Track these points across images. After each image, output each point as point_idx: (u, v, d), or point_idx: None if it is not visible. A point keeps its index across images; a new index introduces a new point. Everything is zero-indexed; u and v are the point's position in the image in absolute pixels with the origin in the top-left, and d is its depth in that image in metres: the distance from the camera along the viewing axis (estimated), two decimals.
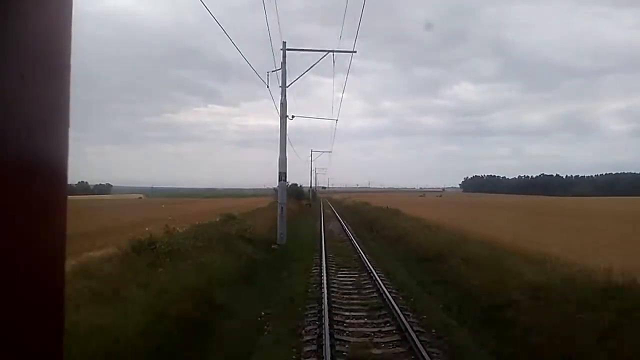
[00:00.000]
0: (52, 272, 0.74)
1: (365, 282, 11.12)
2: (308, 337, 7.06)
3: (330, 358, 6.04)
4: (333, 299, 9.24)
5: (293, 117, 18.14)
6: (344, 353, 6.41)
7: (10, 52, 0.63)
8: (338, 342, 6.76)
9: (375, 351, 6.52)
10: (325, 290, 9.70)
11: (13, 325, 0.65)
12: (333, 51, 17.12)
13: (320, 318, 7.76)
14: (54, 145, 0.73)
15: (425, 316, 8.26)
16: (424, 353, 6.15)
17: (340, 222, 29.69)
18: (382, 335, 7.26)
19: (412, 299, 9.46)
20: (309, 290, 10.28)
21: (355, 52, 16.99)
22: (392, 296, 9.22)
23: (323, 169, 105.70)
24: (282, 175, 16.74)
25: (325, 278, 10.94)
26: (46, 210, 0.71)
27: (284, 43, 17.02)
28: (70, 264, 10.47)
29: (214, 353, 6.56)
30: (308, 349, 6.60)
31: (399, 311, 8.04)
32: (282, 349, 6.61)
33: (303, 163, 63.35)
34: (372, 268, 12.34)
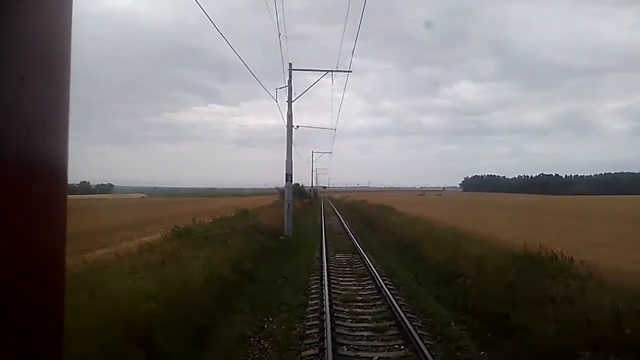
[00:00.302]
0: (52, 272, 0.74)
1: (356, 260, 14.33)
2: (313, 291, 10.23)
3: (329, 300, 9.20)
4: (330, 270, 12.43)
5: (298, 127, 21.40)
6: (338, 298, 9.59)
7: (10, 52, 0.63)
8: (334, 294, 9.92)
9: (358, 297, 9.72)
10: (325, 264, 12.90)
11: (13, 325, 0.65)
12: (331, 71, 20.37)
13: (321, 280, 10.93)
14: (54, 145, 0.73)
15: (397, 280, 11.44)
16: (391, 297, 9.31)
17: (339, 218, 32.96)
18: (364, 290, 10.46)
19: (390, 271, 12.64)
20: (313, 265, 13.47)
21: (350, 71, 20.23)
22: (375, 269, 12.39)
23: (323, 169, 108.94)
24: (289, 177, 19.98)
25: (325, 258, 14.13)
26: (46, 210, 0.71)
27: (290, 64, 20.26)
28: (136, 242, 13.70)
29: (251, 301, 9.71)
30: (313, 296, 9.77)
31: (378, 277, 11.22)
32: (296, 296, 9.81)
33: (304, 163, 66.50)
34: (362, 251, 15.54)
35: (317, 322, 7.84)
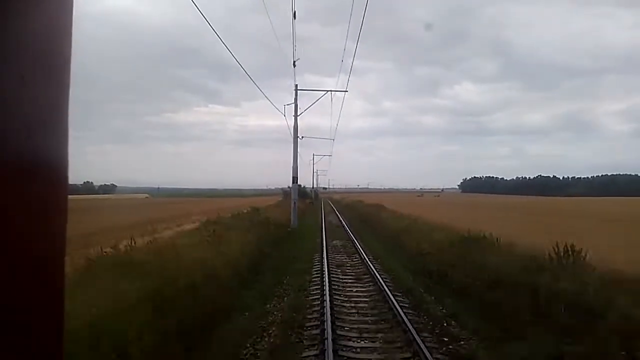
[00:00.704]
0: (52, 272, 0.74)
1: (349, 245, 18.46)
2: (316, 263, 14.33)
3: (327, 266, 13.26)
4: (329, 250, 16.55)
5: (302, 137, 25.56)
6: (333, 264, 13.70)
7: (10, 52, 0.64)
8: (331, 263, 14.00)
9: (347, 265, 13.85)
10: (324, 247, 17.00)
11: (13, 325, 0.65)
12: (330, 91, 24.59)
13: (322, 256, 15.01)
14: (54, 145, 0.73)
15: (378, 257, 15.52)
16: (370, 265, 13.37)
17: (337, 215, 37.13)
18: (352, 261, 14.58)
19: (373, 251, 16.73)
20: (315, 248, 17.59)
21: (347, 91, 24.39)
22: (362, 250, 16.48)
23: (324, 170, 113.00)
24: (295, 179, 24.15)
25: (324, 243, 18.23)
26: (46, 210, 0.72)
27: (296, 85, 24.45)
28: (176, 230, 17.84)
29: (272, 269, 13.78)
30: (316, 266, 13.87)
31: (364, 254, 15.31)
32: (304, 265, 13.93)
33: (305, 165, 70.64)
34: (354, 239, 19.65)
35: (319, 276, 11.96)
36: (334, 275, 12.23)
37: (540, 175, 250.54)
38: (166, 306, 6.78)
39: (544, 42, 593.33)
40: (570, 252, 9.29)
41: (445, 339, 7.31)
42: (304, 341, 7.17)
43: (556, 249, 9.53)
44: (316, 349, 6.72)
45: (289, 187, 26.88)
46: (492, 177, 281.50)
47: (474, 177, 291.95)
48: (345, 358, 6.45)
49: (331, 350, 6.43)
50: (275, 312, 8.96)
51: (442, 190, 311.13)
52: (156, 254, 10.48)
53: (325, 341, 6.79)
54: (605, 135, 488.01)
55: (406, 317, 7.94)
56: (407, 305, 9.22)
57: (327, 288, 10.20)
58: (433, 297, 10.22)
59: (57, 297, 0.75)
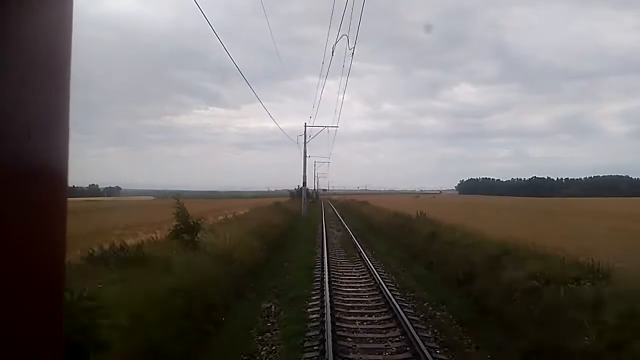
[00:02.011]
0: (53, 273, 0.76)
1: (340, 226, 28.85)
2: (319, 237, 24.61)
3: (325, 240, 23.46)
4: (326, 231, 26.90)
5: (310, 156, 36.06)
6: (329, 239, 24.04)
7: (11, 55, 0.65)
8: (329, 237, 24.25)
9: (339, 239, 24.20)
10: (324, 228, 27.34)
11: (13, 325, 0.67)
12: (328, 126, 34.95)
13: (322, 233, 25.28)
14: (55, 147, 0.75)
15: (361, 236, 25.79)
16: (354, 240, 23.59)
17: (333, 209, 47.70)
18: (344, 237, 24.93)
19: (358, 232, 26.98)
20: (318, 227, 27.92)
21: (337, 127, 34.82)
22: (351, 231, 26.72)
23: (323, 174, 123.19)
24: (304, 184, 34.64)
25: (324, 226, 28.54)
26: (47, 211, 0.74)
27: (305, 124, 34.98)
28: (219, 219, 28.27)
29: (299, 227, 24.08)
30: (318, 240, 24.13)
31: (351, 233, 25.57)
32: (314, 237, 24.28)
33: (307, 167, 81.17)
34: (345, 225, 30.00)
35: (321, 229, 22.40)
36: (329, 228, 22.83)
37: (534, 177, 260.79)
38: (265, 233, 17.13)
39: (544, 44, 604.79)
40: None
41: (370, 248, 17.61)
42: (317, 238, 17.92)
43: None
44: (320, 239, 17.24)
45: (294, 189, 37.42)
46: (488, 178, 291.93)
47: (471, 178, 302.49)
48: (329, 236, 16.90)
49: (325, 237, 16.94)
50: (305, 234, 19.60)
51: (440, 192, 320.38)
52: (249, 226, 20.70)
53: (323, 235, 17.33)
54: (604, 137, 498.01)
55: (353, 234, 18.31)
56: (351, 228, 19.66)
57: (324, 230, 20.97)
58: (369, 232, 20.62)
59: (57, 298, 0.77)
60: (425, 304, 9.88)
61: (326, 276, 11.91)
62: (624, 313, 6.13)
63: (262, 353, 7.02)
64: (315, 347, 7.01)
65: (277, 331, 7.99)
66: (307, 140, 34.66)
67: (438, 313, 9.23)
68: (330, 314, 8.25)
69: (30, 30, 0.69)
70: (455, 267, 11.98)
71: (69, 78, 0.77)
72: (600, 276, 8.01)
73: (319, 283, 11.54)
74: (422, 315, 9.00)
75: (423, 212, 24.02)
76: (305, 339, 7.47)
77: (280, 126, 32.69)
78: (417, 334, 7.31)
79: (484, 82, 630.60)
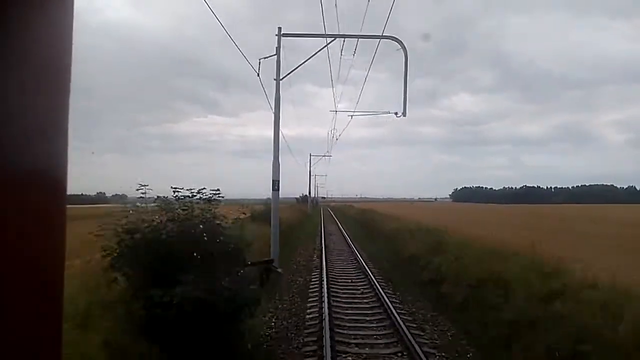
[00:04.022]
0: (52, 278, 0.77)
1: (335, 225, 42.98)
2: (319, 228, 38.62)
3: (323, 228, 37.33)
4: (324, 224, 40.99)
5: (315, 175, 50.04)
6: (325, 230, 38.07)
7: (11, 62, 0.67)
8: (326, 228, 38.21)
9: (334, 231, 38.25)
10: (322, 222, 41.47)
11: (13, 327, 0.69)
12: (325, 155, 48.93)
13: (322, 226, 39.25)
14: (54, 153, 0.76)
15: (349, 229, 39.77)
16: (344, 232, 37.49)
17: (330, 212, 62.10)
18: (337, 230, 38.98)
19: (348, 226, 40.93)
20: (319, 222, 42.02)
21: (331, 155, 48.97)
22: (342, 226, 40.68)
23: (322, 184, 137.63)
24: (310, 192, 48.83)
25: (323, 221, 42.67)
26: (46, 218, 0.75)
27: (310, 154, 48.88)
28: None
29: (310, 217, 38.10)
30: (320, 219, 38.27)
31: (342, 228, 39.52)
32: (317, 219, 38.40)
33: (305, 174, 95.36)
34: (338, 222, 44.06)
35: (321, 218, 36.60)
36: (326, 219, 36.93)
37: (525, 185, 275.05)
38: (301, 213, 31.42)
39: (542, 53, 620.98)
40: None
41: (354, 240, 31.66)
42: (323, 219, 32.40)
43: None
44: (320, 218, 31.53)
45: (299, 196, 51.56)
46: (481, 187, 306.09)
47: (464, 187, 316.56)
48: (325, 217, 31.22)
49: (322, 217, 31.14)
50: (316, 220, 33.95)
51: (436, 199, 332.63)
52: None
53: (322, 220, 31.58)
54: (601, 145, 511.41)
55: (336, 216, 32.44)
56: (341, 221, 33.86)
57: (323, 219, 35.05)
58: (344, 216, 34.75)
59: (56, 302, 0.78)
60: (353, 235, 23.91)
61: (322, 222, 30.00)
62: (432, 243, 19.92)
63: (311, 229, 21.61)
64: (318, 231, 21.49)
65: (312, 226, 22.35)
66: (311, 166, 48.79)
67: (359, 235, 23.21)
68: (323, 226, 23.08)
69: (30, 37, 0.71)
70: (375, 232, 26.03)
71: (69, 85, 0.79)
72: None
73: (319, 225, 27.86)
74: (352, 230, 23.15)
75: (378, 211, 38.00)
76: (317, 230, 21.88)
77: (283, 133, 46.45)
78: (348, 236, 21.27)
79: (481, 91, 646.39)
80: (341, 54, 17.73)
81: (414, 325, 9.13)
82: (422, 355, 7.07)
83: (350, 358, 7.36)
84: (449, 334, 8.88)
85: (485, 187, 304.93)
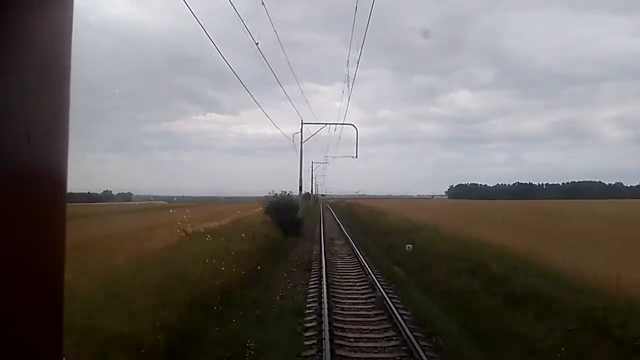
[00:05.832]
0: (52, 275, 0.79)
1: (333, 219, 60.22)
2: (319, 221, 55.81)
3: (322, 221, 54.46)
4: (322, 217, 58.24)
5: (315, 176, 67.22)
6: (325, 224, 55.36)
7: (11, 60, 0.68)
8: (325, 222, 55.16)
9: (332, 224, 55.56)
10: (322, 216, 58.55)
11: (14, 326, 0.70)
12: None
13: (321, 216, 56.44)
14: (54, 151, 0.78)
15: (345, 222, 56.99)
16: (341, 225, 54.54)
17: (328, 206, 79.62)
18: (335, 223, 56.10)
19: (344, 219, 57.86)
20: (319, 215, 59.07)
21: (327, 163, 66.10)
22: (339, 220, 57.53)
23: (321, 181, 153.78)
24: (312, 190, 66.02)
25: (322, 215, 59.67)
26: (46, 215, 0.77)
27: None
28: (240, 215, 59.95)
29: (313, 211, 55.43)
30: (320, 212, 55.55)
31: (339, 222, 56.33)
32: (318, 212, 55.80)
33: (305, 173, 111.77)
34: (335, 216, 61.26)
35: (321, 211, 54.05)
36: (325, 212, 54.28)
37: (517, 182, 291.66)
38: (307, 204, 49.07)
39: (542, 50, 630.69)
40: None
41: (340, 218, 48.97)
42: (323, 210, 50.09)
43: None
44: (320, 211, 49.02)
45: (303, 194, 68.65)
46: (476, 183, 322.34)
47: (459, 184, 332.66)
48: (324, 209, 48.75)
49: (321, 211, 48.71)
50: (317, 212, 51.53)
51: (433, 196, 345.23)
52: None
53: (321, 212, 49.23)
54: (602, 142, 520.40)
55: (333, 210, 49.76)
56: (336, 212, 51.30)
57: (322, 212, 52.42)
58: (336, 208, 52.10)
59: (56, 300, 0.80)
60: (339, 216, 41.23)
61: (321, 211, 46.76)
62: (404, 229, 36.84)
63: (311, 223, 38.83)
64: (318, 222, 38.87)
65: (312, 217, 39.91)
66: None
67: (351, 223, 40.54)
68: (322, 219, 40.25)
69: (30, 35, 0.72)
70: (353, 214, 43.41)
71: (69, 83, 0.80)
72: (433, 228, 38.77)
73: (320, 212, 45.38)
74: (339, 214, 40.64)
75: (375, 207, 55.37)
76: (318, 221, 39.38)
77: (280, 129, 62.47)
78: (341, 222, 38.51)
79: (481, 88, 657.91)
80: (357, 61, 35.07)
81: (357, 241, 26.97)
82: (355, 247, 24.82)
83: (334, 248, 24.95)
84: (369, 241, 27.14)
85: (479, 184, 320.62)
